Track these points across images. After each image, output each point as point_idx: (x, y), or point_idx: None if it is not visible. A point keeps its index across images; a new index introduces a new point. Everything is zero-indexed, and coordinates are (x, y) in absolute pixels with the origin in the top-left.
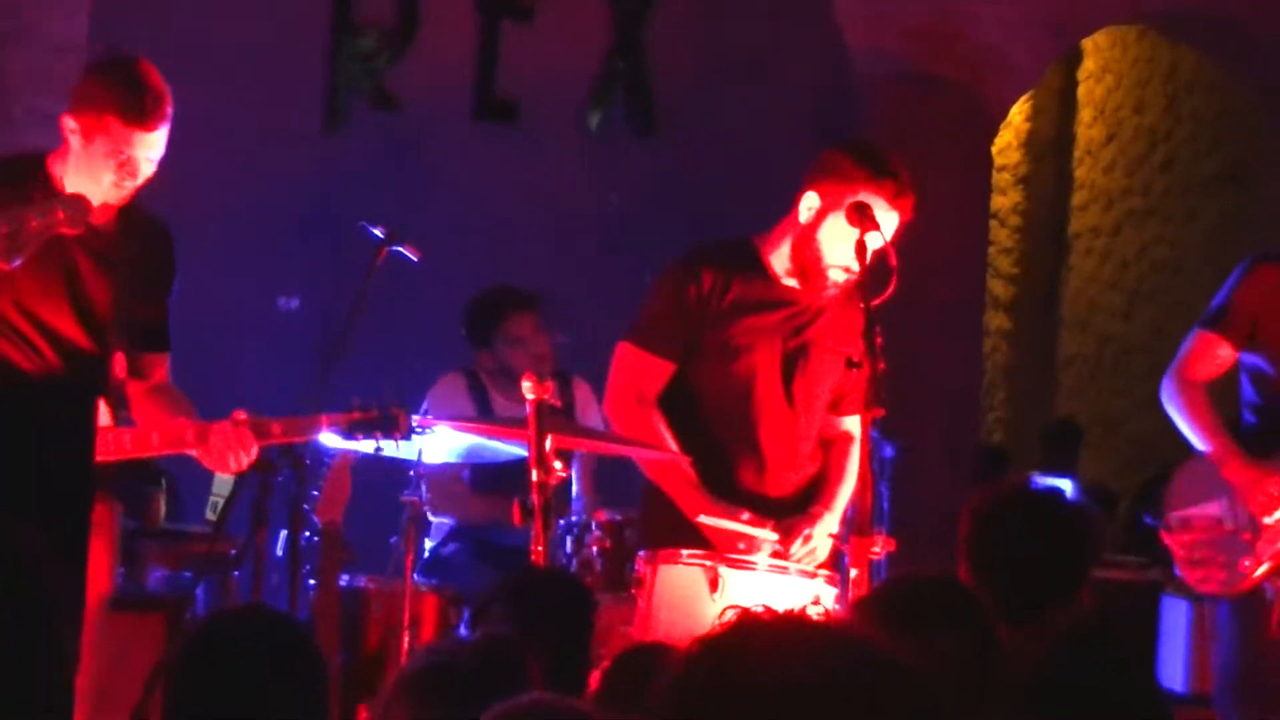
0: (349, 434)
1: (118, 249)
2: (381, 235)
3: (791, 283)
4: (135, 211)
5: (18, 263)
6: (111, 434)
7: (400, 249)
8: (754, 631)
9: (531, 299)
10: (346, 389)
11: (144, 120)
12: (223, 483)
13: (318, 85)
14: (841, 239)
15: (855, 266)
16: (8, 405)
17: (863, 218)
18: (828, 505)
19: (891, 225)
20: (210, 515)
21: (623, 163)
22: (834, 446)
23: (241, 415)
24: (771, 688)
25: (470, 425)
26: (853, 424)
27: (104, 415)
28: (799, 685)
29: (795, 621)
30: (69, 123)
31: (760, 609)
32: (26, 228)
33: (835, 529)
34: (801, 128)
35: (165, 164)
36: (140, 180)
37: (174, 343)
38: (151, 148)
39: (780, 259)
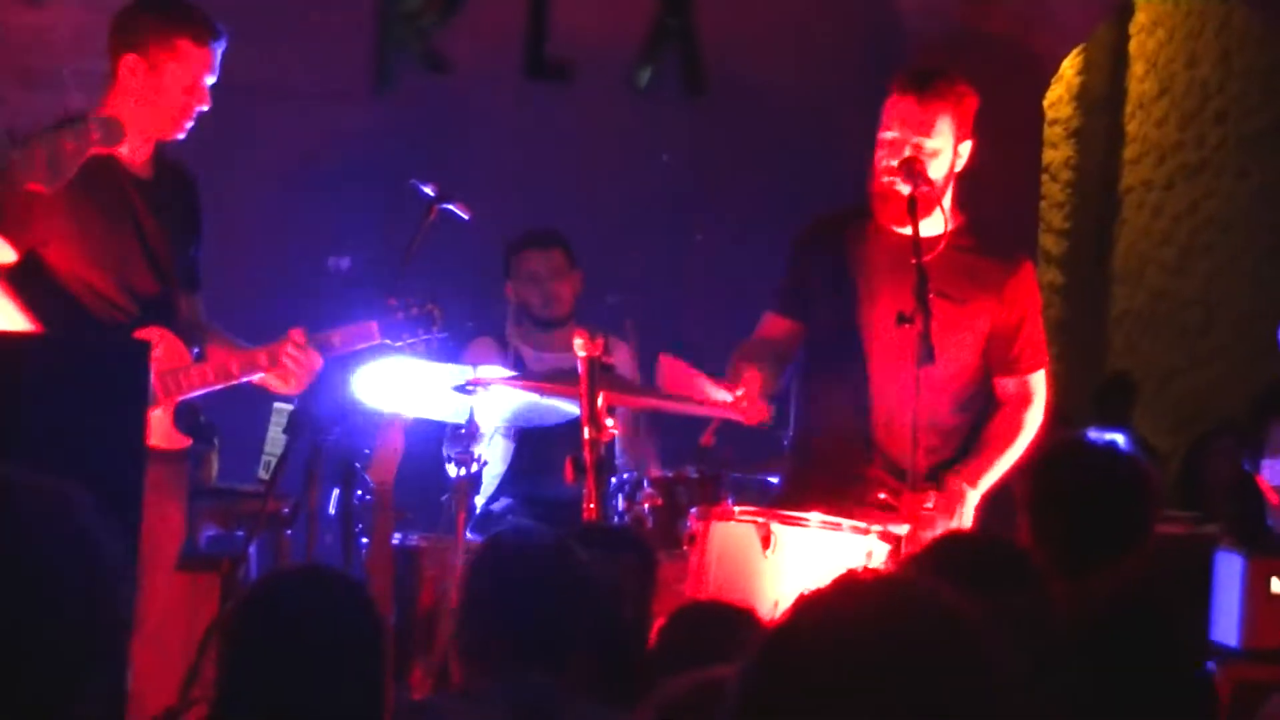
0: (396, 336)
1: (166, 193)
2: (432, 193)
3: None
4: (164, 158)
5: (58, 185)
6: (195, 370)
7: (451, 207)
8: (850, 591)
9: (547, 237)
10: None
11: (214, 36)
12: (275, 442)
13: (367, 45)
14: (885, 146)
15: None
16: (58, 364)
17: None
18: (968, 477)
19: (922, 119)
20: (263, 474)
21: (673, 122)
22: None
23: (300, 334)
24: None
25: (525, 383)
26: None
27: (183, 354)
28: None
29: (886, 583)
30: (129, 62)
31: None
32: (63, 149)
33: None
34: (851, 84)
35: (217, 124)
36: (205, 108)
37: (226, 302)
38: (216, 69)
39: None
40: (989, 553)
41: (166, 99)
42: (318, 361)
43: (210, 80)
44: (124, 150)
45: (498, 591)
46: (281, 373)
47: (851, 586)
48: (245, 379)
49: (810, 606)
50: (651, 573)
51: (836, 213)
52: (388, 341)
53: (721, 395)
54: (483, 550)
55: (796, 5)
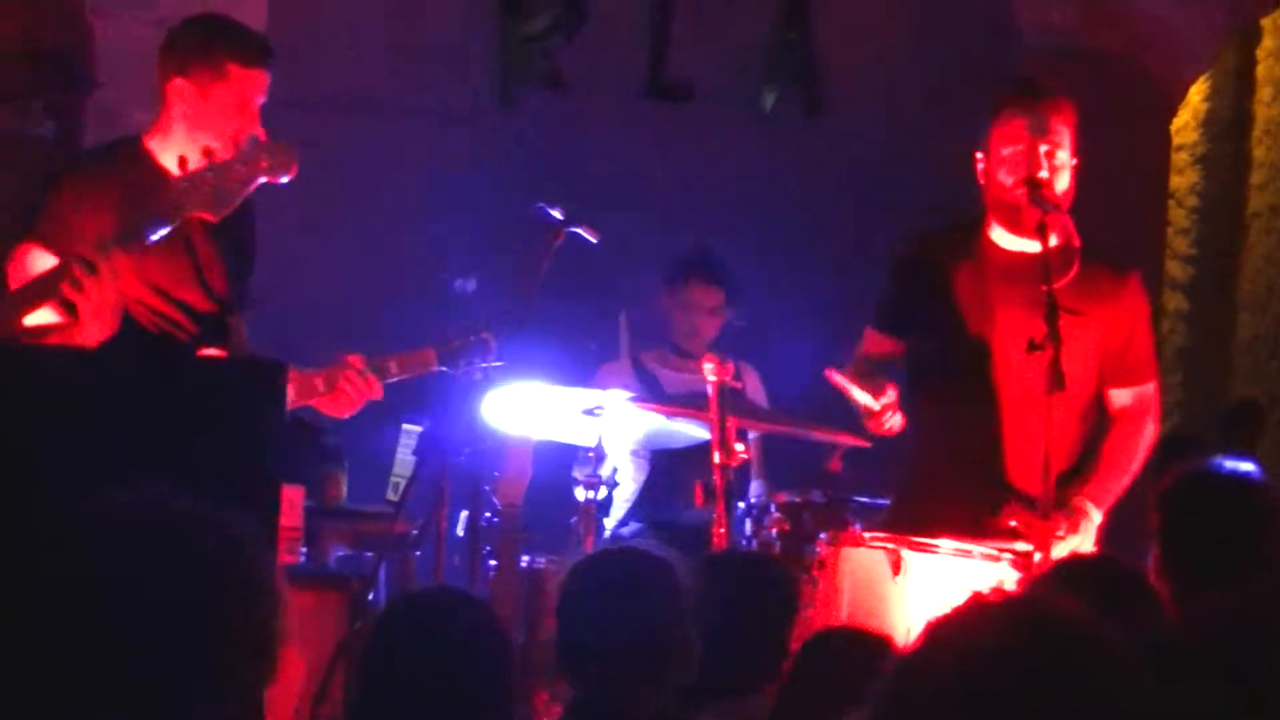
0: (453, 364)
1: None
2: (560, 217)
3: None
4: None
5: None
6: None
7: (578, 230)
8: (981, 613)
9: (716, 274)
10: (521, 368)
11: (263, 60)
12: (404, 463)
13: (490, 66)
14: (1007, 165)
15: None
16: (194, 384)
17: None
18: (1092, 496)
19: (1048, 130)
20: (391, 496)
21: (793, 142)
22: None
23: (358, 359)
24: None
25: (655, 406)
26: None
27: None
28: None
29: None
30: (178, 85)
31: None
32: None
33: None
34: (972, 105)
35: (340, 142)
36: (255, 132)
37: (352, 324)
38: (264, 92)
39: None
40: (1108, 573)
41: (215, 123)
42: (376, 388)
43: (260, 102)
44: (174, 171)
45: (592, 605)
46: (338, 397)
47: (980, 611)
48: (301, 403)
49: (940, 632)
50: (793, 602)
51: (942, 228)
52: (444, 369)
53: (868, 400)
54: (579, 566)
55: (913, 26)
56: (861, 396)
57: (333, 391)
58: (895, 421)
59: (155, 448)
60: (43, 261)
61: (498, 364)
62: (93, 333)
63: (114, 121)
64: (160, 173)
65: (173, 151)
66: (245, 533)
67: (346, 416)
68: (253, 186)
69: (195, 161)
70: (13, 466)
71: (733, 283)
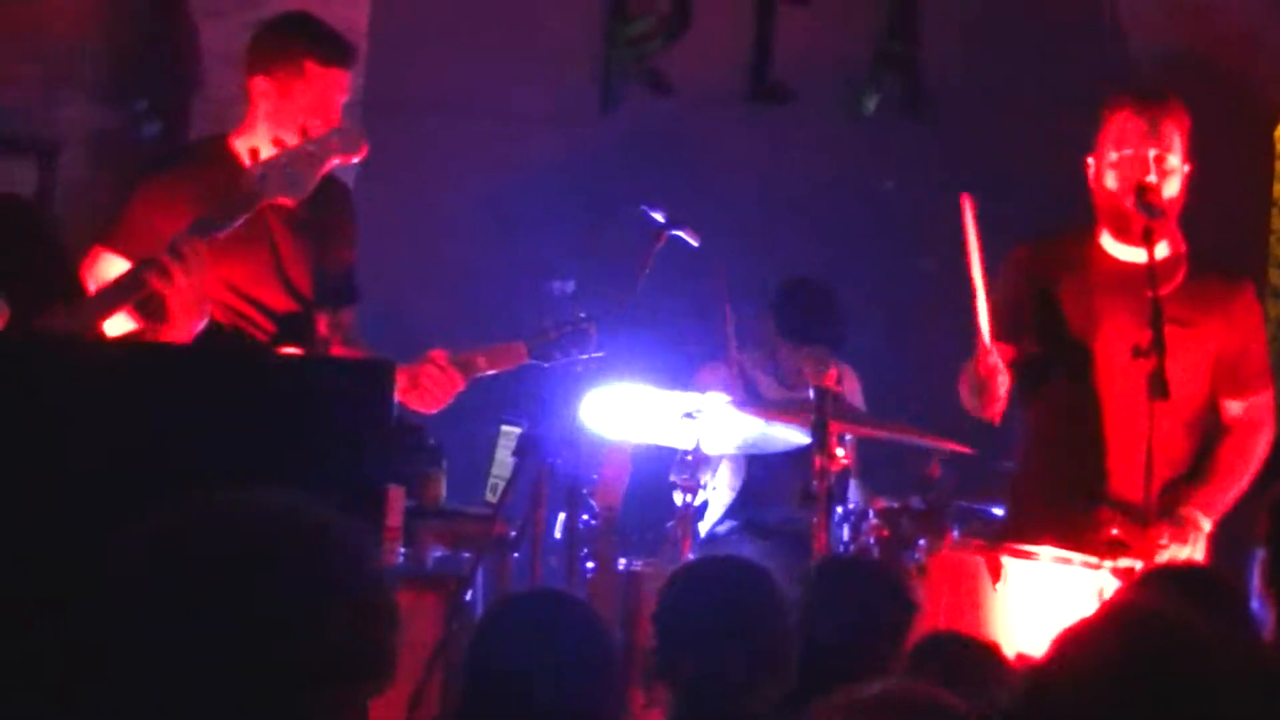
0: (547, 356)
1: (306, 209)
2: (662, 219)
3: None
4: None
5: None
6: None
7: (680, 233)
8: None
9: (838, 339)
10: (620, 370)
11: (343, 59)
12: (502, 464)
13: (593, 68)
14: (1116, 169)
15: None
16: (304, 383)
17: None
18: (1201, 505)
19: (1158, 134)
20: (489, 497)
21: (897, 146)
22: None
23: (441, 355)
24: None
25: (754, 410)
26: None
27: None
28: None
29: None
30: (260, 84)
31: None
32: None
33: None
34: (1078, 109)
35: (443, 141)
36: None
37: (449, 322)
38: (346, 90)
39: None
40: (1201, 582)
41: (296, 121)
42: (459, 383)
43: (342, 100)
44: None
45: (690, 613)
46: (422, 394)
47: (1110, 623)
48: None
49: (1071, 643)
50: (910, 611)
51: (1052, 234)
52: (538, 362)
53: (983, 319)
54: (677, 573)
55: (1018, 29)
56: (982, 319)
57: (416, 387)
58: (994, 360)
59: (263, 448)
60: (111, 266)
61: (598, 354)
62: (182, 327)
63: (220, 121)
64: (241, 169)
65: (258, 145)
66: (360, 537)
67: (433, 411)
68: (326, 168)
69: (266, 152)
70: (114, 466)
71: (844, 332)
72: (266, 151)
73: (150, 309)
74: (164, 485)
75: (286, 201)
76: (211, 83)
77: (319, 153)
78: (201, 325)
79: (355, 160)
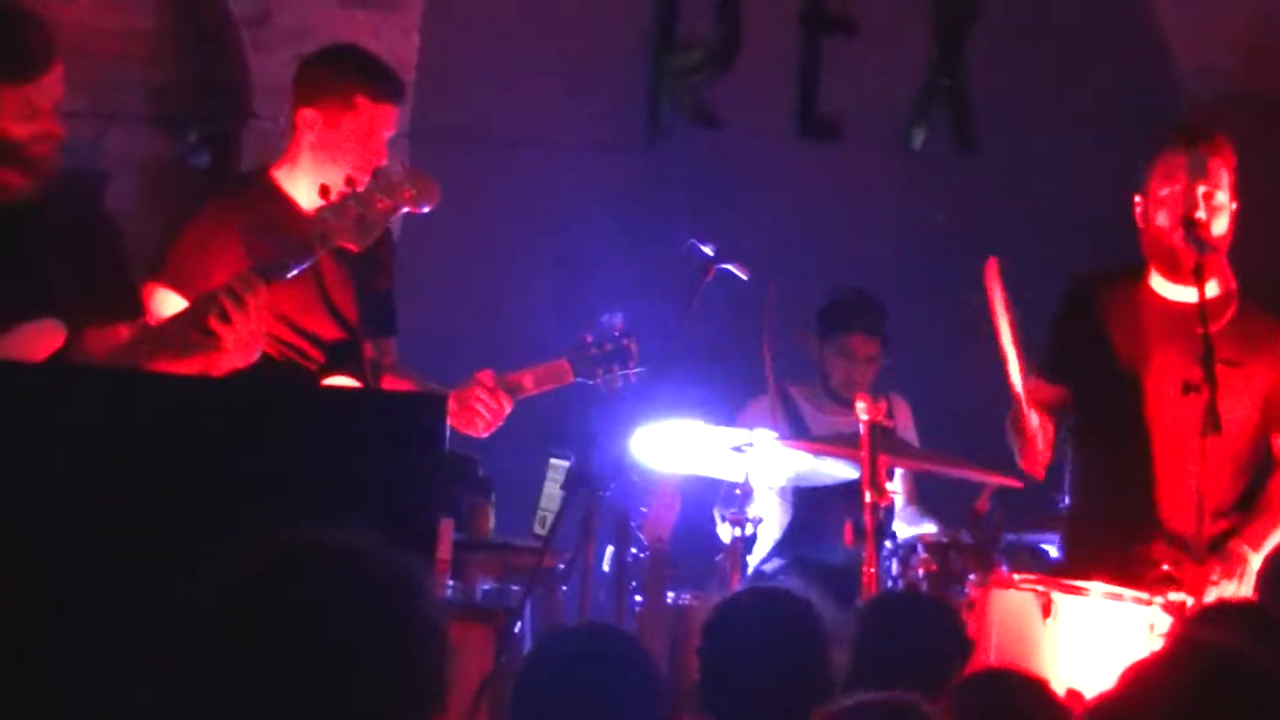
0: (590, 374)
1: None
2: (711, 252)
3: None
4: None
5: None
6: None
7: (729, 266)
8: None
9: (877, 322)
10: (668, 404)
11: (393, 94)
12: (551, 497)
13: (640, 100)
14: (1165, 206)
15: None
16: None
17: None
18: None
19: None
20: (538, 529)
21: (945, 179)
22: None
23: (489, 376)
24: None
25: (802, 444)
26: None
27: None
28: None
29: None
30: (307, 115)
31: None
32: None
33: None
34: (1127, 144)
35: (489, 170)
36: (381, 164)
37: (497, 351)
38: (393, 125)
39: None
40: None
41: (342, 154)
42: (507, 405)
43: (388, 135)
44: (303, 201)
45: (735, 646)
46: (470, 416)
47: (1175, 659)
48: None
49: (1142, 678)
50: (965, 647)
51: (1101, 272)
52: (582, 379)
53: (1015, 373)
54: (722, 606)
55: (1069, 62)
56: (1011, 359)
57: (465, 410)
58: (1043, 457)
59: (317, 480)
60: (164, 302)
61: (639, 369)
62: (235, 364)
63: (270, 152)
64: (287, 203)
65: (300, 182)
66: (415, 572)
67: (482, 435)
68: (396, 216)
69: (337, 190)
70: (167, 498)
71: (889, 329)
72: (337, 189)
73: (206, 345)
74: (218, 518)
75: (351, 246)
76: (261, 113)
77: (392, 202)
78: (251, 362)
79: (425, 209)
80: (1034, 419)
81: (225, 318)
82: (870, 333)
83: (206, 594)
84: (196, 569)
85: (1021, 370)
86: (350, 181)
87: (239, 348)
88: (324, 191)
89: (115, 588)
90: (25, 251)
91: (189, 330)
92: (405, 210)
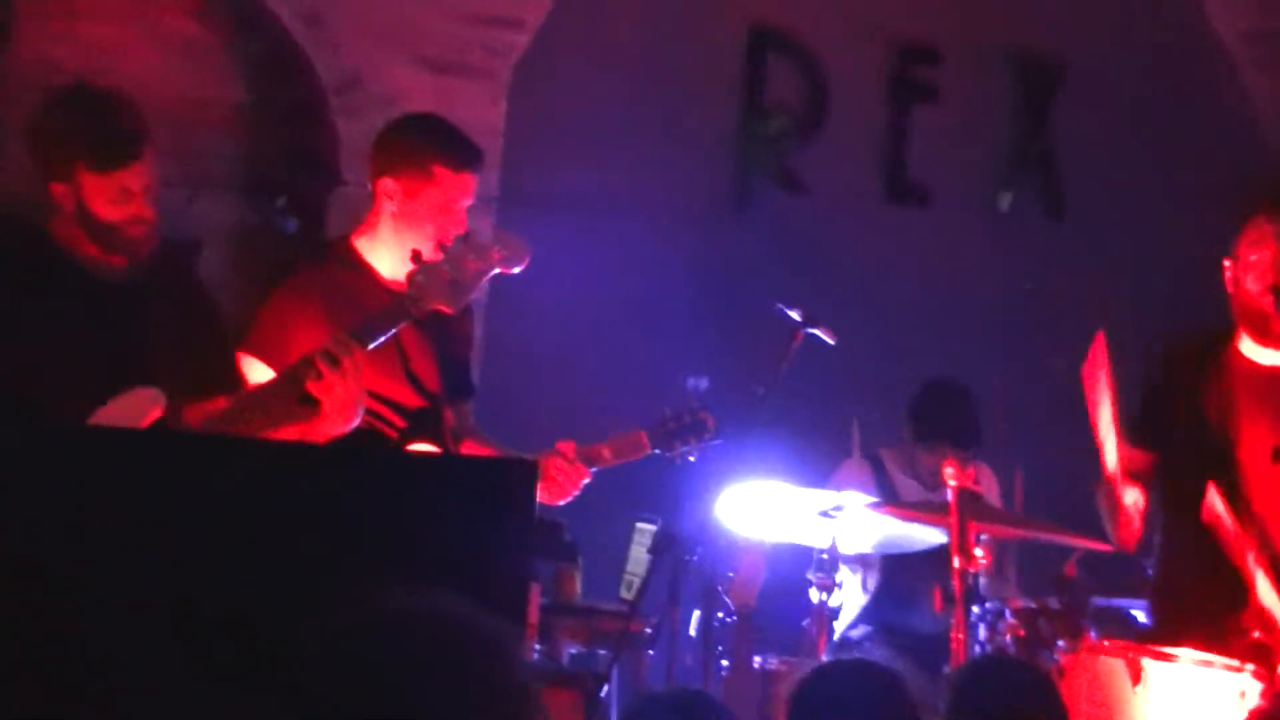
0: (667, 445)
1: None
2: (798, 318)
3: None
4: None
5: (460, 306)
6: None
7: (816, 331)
8: None
9: (974, 438)
10: (755, 468)
11: (472, 163)
12: (637, 561)
13: (727, 166)
14: (1254, 271)
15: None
16: (448, 484)
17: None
18: None
19: None
20: (625, 594)
21: (1033, 246)
22: None
23: (569, 447)
24: None
25: (892, 509)
26: None
27: None
28: None
29: None
30: (387, 185)
31: None
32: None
33: None
34: (1215, 207)
35: (578, 236)
36: (460, 231)
37: (583, 417)
38: (472, 194)
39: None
40: None
41: (421, 223)
42: (585, 474)
43: (467, 203)
44: (383, 270)
45: (816, 714)
46: (549, 485)
47: None
48: None
49: None
50: (1060, 715)
51: (1190, 336)
52: (660, 451)
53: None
54: (809, 677)
55: (1156, 127)
56: (1110, 457)
57: (543, 479)
58: (1132, 498)
59: (411, 547)
60: (255, 372)
61: (716, 442)
62: (332, 428)
63: (358, 217)
64: (368, 272)
65: (380, 251)
66: (506, 637)
67: (559, 503)
68: (487, 277)
69: (429, 254)
70: (259, 567)
71: (980, 435)
72: (398, 251)
73: (303, 411)
74: (309, 584)
75: (445, 308)
76: (349, 180)
77: (483, 265)
78: (345, 430)
79: (516, 270)
80: (1129, 496)
81: (322, 379)
82: (964, 447)
83: (302, 661)
84: (289, 636)
85: (1119, 451)
86: (442, 246)
87: (338, 411)
88: (415, 256)
89: (209, 654)
90: (126, 328)
91: (286, 395)
92: (496, 271)
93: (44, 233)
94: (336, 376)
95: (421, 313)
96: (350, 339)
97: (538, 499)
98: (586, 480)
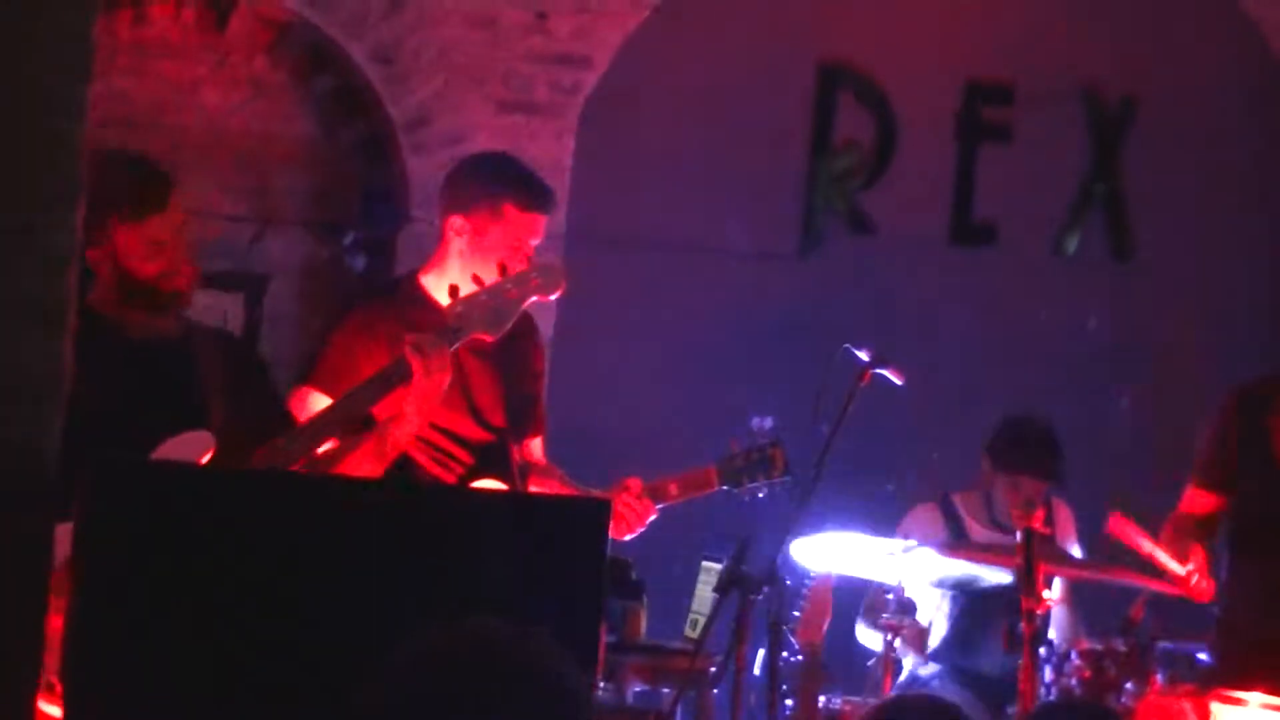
0: (736, 482)
1: (497, 343)
2: (867, 358)
3: None
4: None
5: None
6: None
7: (884, 372)
8: None
9: (1051, 468)
10: (820, 514)
11: (544, 204)
12: (702, 600)
13: (795, 206)
14: None
15: None
16: (519, 521)
17: None
18: None
19: None
20: (690, 632)
21: (1100, 287)
22: None
23: (636, 483)
24: None
25: (959, 552)
26: None
27: None
28: None
29: None
30: (456, 223)
31: None
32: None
33: None
34: None
35: (648, 277)
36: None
37: (648, 456)
38: (541, 233)
39: None
40: None
41: (489, 261)
42: (651, 510)
43: (536, 242)
44: (445, 303)
45: None
46: (615, 520)
47: None
48: None
49: None
50: None
51: (1260, 382)
52: (728, 487)
53: (1174, 567)
54: (873, 711)
55: (1225, 168)
56: (1167, 562)
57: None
58: (1204, 586)
59: (483, 585)
60: (316, 404)
61: (785, 478)
62: (410, 426)
63: (426, 254)
64: (434, 309)
65: (446, 286)
66: (579, 676)
67: (625, 538)
68: (526, 304)
69: (466, 287)
70: (329, 606)
71: (1064, 467)
72: (466, 287)
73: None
74: (380, 624)
75: (486, 338)
76: (418, 216)
77: (520, 291)
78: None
79: (553, 298)
80: (1194, 578)
81: (421, 351)
82: (1045, 478)
83: (372, 697)
84: (357, 677)
85: (1171, 559)
86: (478, 279)
87: (422, 400)
88: (453, 291)
89: (278, 694)
90: (177, 385)
91: (388, 383)
92: (534, 299)
93: (85, 308)
94: (431, 350)
95: (464, 342)
96: (438, 339)
97: (612, 535)
98: (653, 517)
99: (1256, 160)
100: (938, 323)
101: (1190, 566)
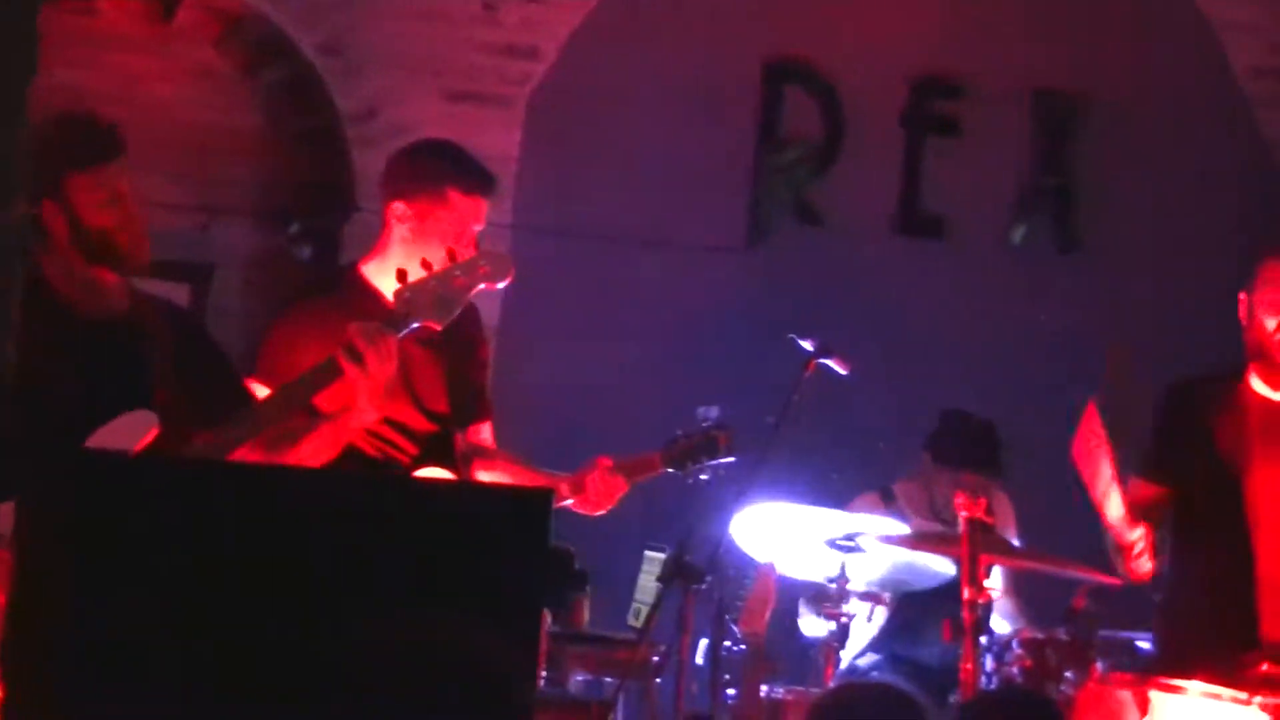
0: (679, 465)
1: (441, 331)
2: (811, 348)
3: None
4: None
5: (448, 321)
6: None
7: (829, 362)
8: None
9: (995, 462)
10: (768, 497)
11: (487, 188)
12: (646, 589)
13: (742, 197)
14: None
15: None
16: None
17: None
18: None
19: None
20: (633, 621)
21: (1048, 279)
22: None
23: (607, 461)
24: None
25: (902, 540)
26: None
27: None
28: None
29: None
30: (398, 209)
31: None
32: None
33: None
34: (1230, 242)
35: (595, 269)
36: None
37: (596, 445)
38: (483, 219)
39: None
40: None
41: (432, 247)
42: (623, 487)
43: (479, 229)
44: (390, 294)
45: None
46: (588, 497)
47: None
48: None
49: None
50: None
51: (1204, 375)
52: (673, 470)
53: (1122, 522)
54: (823, 701)
55: (1173, 161)
56: (1116, 509)
57: (580, 493)
58: (1144, 565)
59: (421, 574)
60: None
61: (729, 460)
62: (364, 417)
63: (371, 244)
64: (376, 298)
65: (388, 275)
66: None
67: (599, 513)
68: (474, 292)
69: (415, 273)
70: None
71: (1004, 462)
72: (414, 273)
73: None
74: (315, 613)
75: (434, 325)
76: (365, 207)
77: (469, 279)
78: (374, 421)
79: (501, 286)
80: (1133, 534)
81: (357, 355)
82: (986, 474)
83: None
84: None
85: (1125, 496)
86: (426, 265)
87: (371, 392)
88: (401, 275)
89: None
90: (126, 365)
91: (321, 381)
92: (482, 287)
93: (36, 282)
94: (370, 350)
95: (410, 330)
96: (382, 326)
97: (580, 511)
98: (623, 493)
99: (1200, 155)
100: (885, 314)
101: (1139, 533)
